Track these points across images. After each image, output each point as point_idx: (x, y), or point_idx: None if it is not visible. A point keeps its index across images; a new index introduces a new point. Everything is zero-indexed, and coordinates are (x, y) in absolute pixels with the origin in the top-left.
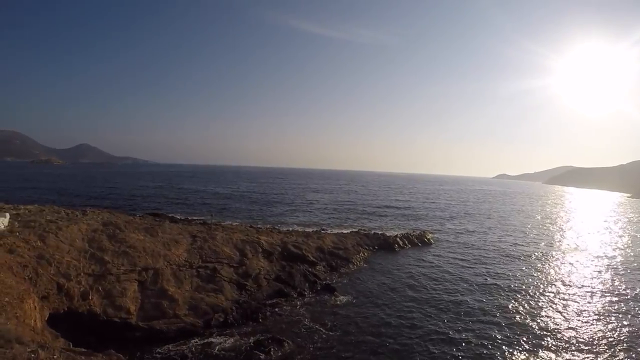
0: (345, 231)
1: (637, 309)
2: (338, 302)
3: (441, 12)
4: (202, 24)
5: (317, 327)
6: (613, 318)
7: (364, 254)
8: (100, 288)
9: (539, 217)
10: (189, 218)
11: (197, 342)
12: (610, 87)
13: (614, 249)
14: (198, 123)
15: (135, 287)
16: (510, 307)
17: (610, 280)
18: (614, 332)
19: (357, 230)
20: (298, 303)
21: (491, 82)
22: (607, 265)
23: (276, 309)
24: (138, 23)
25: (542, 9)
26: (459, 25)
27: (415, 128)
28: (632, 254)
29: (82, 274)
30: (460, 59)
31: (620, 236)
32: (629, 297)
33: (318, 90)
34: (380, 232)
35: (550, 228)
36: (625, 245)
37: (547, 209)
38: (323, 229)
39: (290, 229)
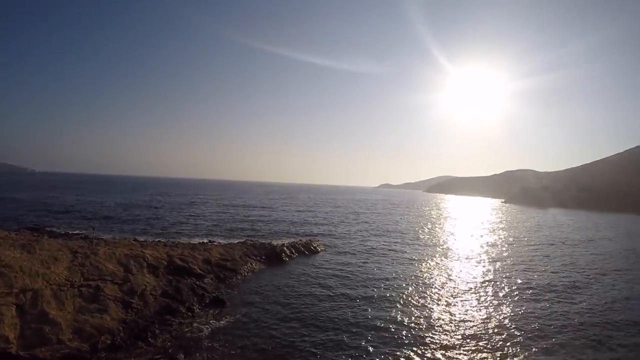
0: (232, 242)
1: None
2: (228, 315)
3: (351, 21)
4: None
5: (208, 342)
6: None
7: (252, 264)
8: None
9: (422, 222)
10: (70, 232)
11: None
12: (487, 108)
13: (494, 249)
14: (90, 127)
15: (14, 311)
16: (396, 312)
17: (493, 280)
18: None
19: (244, 240)
20: (187, 318)
21: (383, 96)
22: (490, 264)
23: (166, 326)
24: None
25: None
26: (372, 35)
27: (311, 140)
28: (512, 251)
29: None
30: (361, 70)
31: (501, 236)
32: (508, 295)
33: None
34: (267, 242)
35: (434, 232)
36: (506, 244)
37: (430, 214)
38: (210, 241)
39: (176, 241)
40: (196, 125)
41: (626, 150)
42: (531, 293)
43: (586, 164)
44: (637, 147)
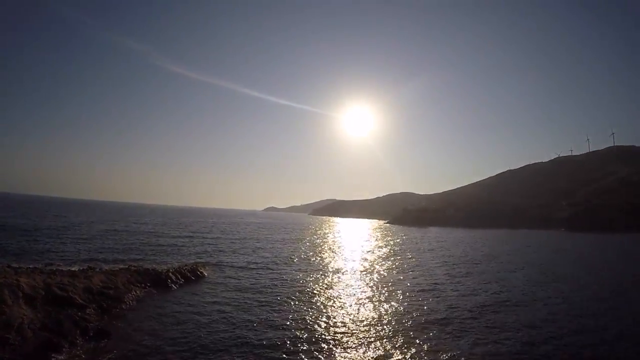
0: (115, 268)
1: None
2: (114, 350)
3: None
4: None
5: None
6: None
7: (136, 292)
8: None
9: (318, 245)
10: None
11: None
12: (368, 139)
13: (381, 265)
14: None
15: None
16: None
17: (383, 292)
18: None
19: (127, 266)
20: (70, 354)
21: (269, 122)
22: (383, 278)
23: None
24: None
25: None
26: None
27: (194, 161)
28: (398, 265)
29: None
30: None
31: (388, 252)
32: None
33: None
34: (151, 267)
35: (332, 254)
36: (391, 260)
37: (325, 237)
38: (90, 267)
39: (54, 268)
40: (65, 138)
41: (497, 174)
42: (440, 317)
43: (462, 186)
44: (506, 171)
